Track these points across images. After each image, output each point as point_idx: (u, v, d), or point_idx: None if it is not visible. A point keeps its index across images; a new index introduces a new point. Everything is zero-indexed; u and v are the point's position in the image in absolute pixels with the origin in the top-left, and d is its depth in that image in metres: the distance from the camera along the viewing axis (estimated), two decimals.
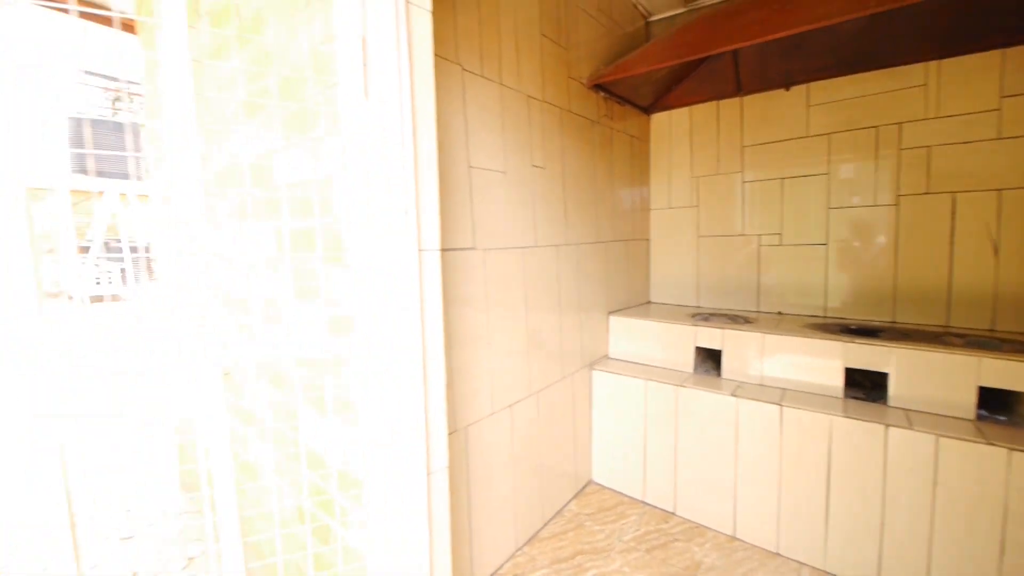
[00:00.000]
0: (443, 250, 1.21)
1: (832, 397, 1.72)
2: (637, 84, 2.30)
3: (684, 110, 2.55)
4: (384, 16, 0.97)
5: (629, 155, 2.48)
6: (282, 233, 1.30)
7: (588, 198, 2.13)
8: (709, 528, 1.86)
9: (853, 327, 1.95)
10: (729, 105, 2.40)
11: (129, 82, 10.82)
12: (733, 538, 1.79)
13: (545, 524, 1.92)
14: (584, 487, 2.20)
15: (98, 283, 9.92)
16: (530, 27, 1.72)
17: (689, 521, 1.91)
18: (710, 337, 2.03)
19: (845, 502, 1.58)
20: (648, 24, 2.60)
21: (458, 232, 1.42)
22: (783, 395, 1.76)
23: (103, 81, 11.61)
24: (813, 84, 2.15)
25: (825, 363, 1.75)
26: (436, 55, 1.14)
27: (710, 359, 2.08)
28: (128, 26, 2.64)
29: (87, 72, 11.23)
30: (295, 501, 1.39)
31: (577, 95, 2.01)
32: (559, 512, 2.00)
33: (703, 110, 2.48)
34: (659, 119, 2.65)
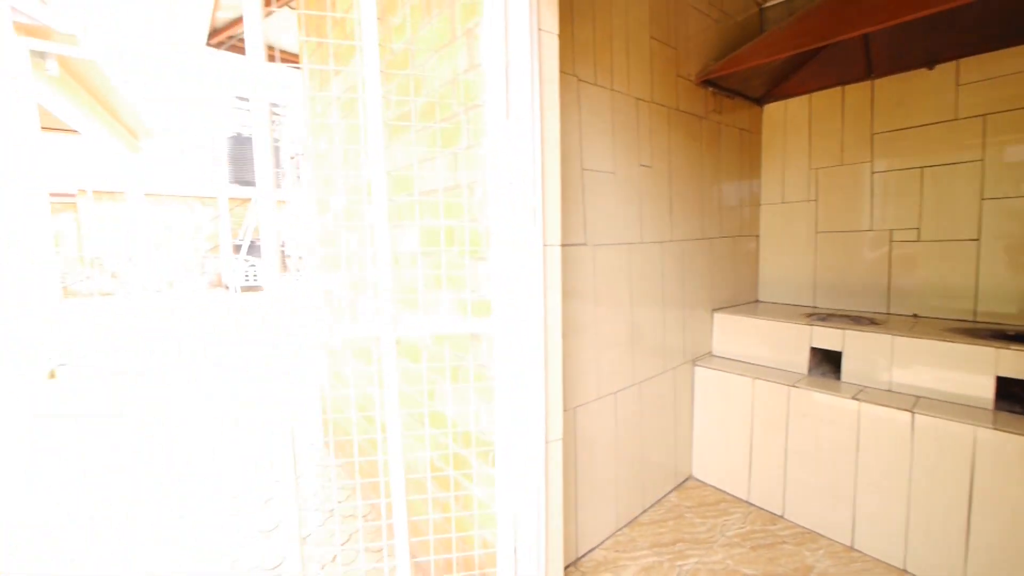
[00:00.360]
0: (562, 245, 1.36)
1: (978, 408, 1.56)
2: (749, 76, 2.24)
3: (802, 98, 2.41)
4: (521, 45, 1.14)
5: (738, 149, 2.42)
6: (422, 231, 1.55)
7: (694, 195, 2.14)
8: (822, 535, 1.79)
9: (1011, 333, 1.73)
10: (857, 90, 2.23)
11: (274, 105, 12.48)
12: (851, 548, 1.71)
13: (644, 511, 1.99)
14: (684, 481, 2.22)
15: (246, 277, 11.68)
16: (640, 32, 1.80)
17: (799, 526, 1.85)
18: (828, 338, 1.93)
19: (991, 524, 1.44)
20: (762, 11, 2.50)
21: (571, 229, 1.56)
22: (915, 402, 1.63)
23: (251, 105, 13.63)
24: (963, 60, 1.92)
25: (972, 370, 1.58)
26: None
27: (828, 361, 1.97)
28: (283, 58, 3.17)
29: (239, 98, 13.27)
30: (426, 457, 1.64)
31: (685, 93, 2.04)
32: (659, 501, 2.06)
33: (825, 97, 2.33)
34: (773, 110, 2.53)
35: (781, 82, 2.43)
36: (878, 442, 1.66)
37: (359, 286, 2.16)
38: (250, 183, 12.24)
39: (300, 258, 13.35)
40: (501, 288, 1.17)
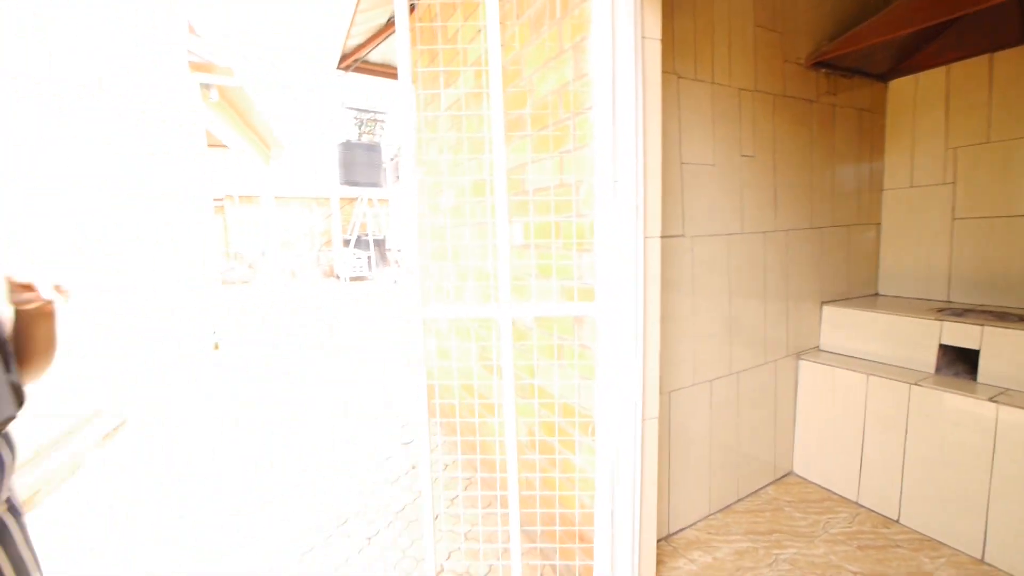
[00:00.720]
0: (661, 237, 1.44)
1: None
2: (870, 51, 2.08)
3: (937, 71, 2.17)
4: (626, 54, 1.25)
5: (856, 131, 2.26)
6: (530, 226, 1.72)
7: (802, 182, 2.06)
8: (945, 544, 1.67)
9: None
10: (1009, 58, 1.97)
11: (376, 112, 13.62)
12: (980, 561, 1.58)
13: (739, 499, 1.99)
14: (783, 476, 2.17)
15: (354, 268, 12.89)
16: (744, 22, 1.78)
17: (917, 532, 1.74)
18: (964, 335, 1.77)
19: None
20: None
21: (670, 221, 1.63)
22: None
23: (355, 113, 14.92)
24: None
25: None
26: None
27: (961, 360, 1.81)
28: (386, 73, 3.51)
29: (346, 107, 14.63)
30: (527, 428, 1.82)
31: (793, 77, 1.97)
32: (755, 493, 2.05)
33: (967, 67, 2.09)
34: (900, 86, 2.31)
35: (911, 55, 2.21)
36: (1020, 449, 1.51)
37: (464, 275, 2.42)
38: (358, 184, 13.54)
39: (399, 251, 14.48)
40: (604, 276, 1.30)
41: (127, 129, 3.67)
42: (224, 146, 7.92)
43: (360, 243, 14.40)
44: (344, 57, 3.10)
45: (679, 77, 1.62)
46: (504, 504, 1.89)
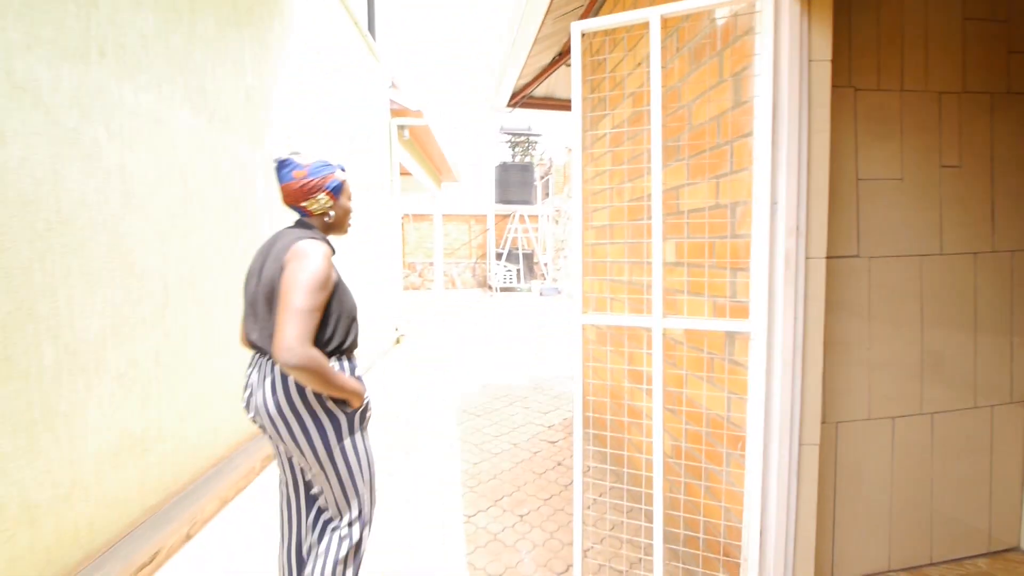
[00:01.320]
0: (827, 258, 1.40)
1: None
2: None
3: None
4: (790, 80, 1.28)
5: None
6: (683, 245, 1.80)
7: None
8: None
9: None
10: None
11: (529, 134, 14.59)
12: None
13: (933, 563, 1.71)
14: (1005, 551, 1.77)
15: (504, 280, 13.92)
16: (948, 16, 1.59)
17: None
18: None
19: None
20: None
21: (840, 241, 1.55)
22: None
23: (509, 136, 16.14)
24: None
25: None
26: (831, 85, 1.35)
27: None
28: (556, 105, 3.85)
29: (503, 130, 15.94)
30: (673, 442, 1.88)
31: (1021, 71, 1.66)
32: (957, 561, 1.73)
33: None
34: None
35: None
36: None
37: (616, 288, 2.56)
38: (511, 202, 14.69)
39: (545, 264, 15.15)
40: (760, 295, 1.33)
41: (359, 165, 4.77)
42: (408, 173, 9.48)
43: (511, 256, 15.52)
44: (514, 95, 3.56)
45: (856, 90, 1.53)
46: (648, 503, 1.97)
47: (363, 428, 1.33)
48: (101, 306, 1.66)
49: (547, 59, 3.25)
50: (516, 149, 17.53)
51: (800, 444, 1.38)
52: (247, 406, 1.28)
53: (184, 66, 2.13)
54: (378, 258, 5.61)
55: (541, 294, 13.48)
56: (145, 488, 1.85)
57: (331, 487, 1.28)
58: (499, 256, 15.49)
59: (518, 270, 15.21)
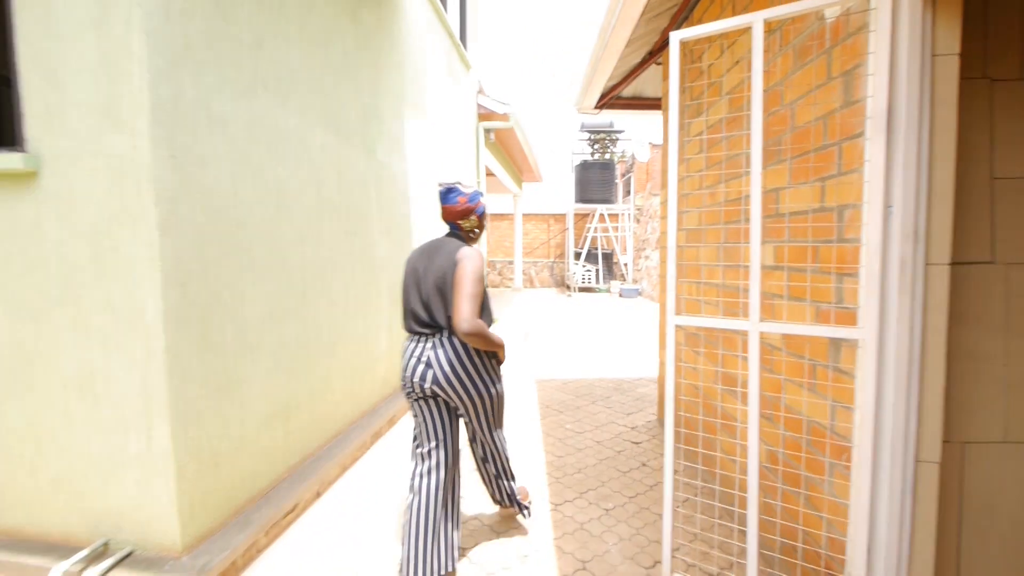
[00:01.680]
0: (953, 264, 1.31)
1: None
2: None
3: None
4: (909, 77, 1.23)
5: None
6: (783, 249, 1.76)
7: None
8: None
9: None
10: None
11: (609, 131, 14.27)
12: None
13: None
14: None
15: (583, 280, 13.82)
16: None
17: None
18: None
19: None
20: None
21: (971, 245, 1.43)
22: None
23: (589, 133, 15.92)
24: None
25: None
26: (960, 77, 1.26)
27: None
28: (646, 104, 3.82)
29: (583, 127, 15.79)
30: (769, 448, 1.84)
31: None
32: None
33: None
34: None
35: None
36: None
37: (704, 291, 2.53)
38: (591, 202, 14.57)
39: (625, 264, 14.81)
40: (871, 302, 1.29)
41: (450, 169, 5.13)
42: (492, 175, 9.83)
43: (590, 256, 15.39)
44: (601, 97, 3.61)
45: (992, 80, 1.40)
46: (741, 506, 1.95)
47: (500, 379, 1.89)
48: (263, 296, 2.03)
49: (636, 59, 3.26)
50: (595, 147, 17.32)
51: (916, 461, 1.31)
52: (413, 378, 1.71)
53: (319, 90, 2.49)
54: None
55: (620, 295, 13.22)
56: (288, 449, 2.23)
57: (484, 418, 1.85)
58: (578, 256, 15.43)
59: (597, 270, 15.04)
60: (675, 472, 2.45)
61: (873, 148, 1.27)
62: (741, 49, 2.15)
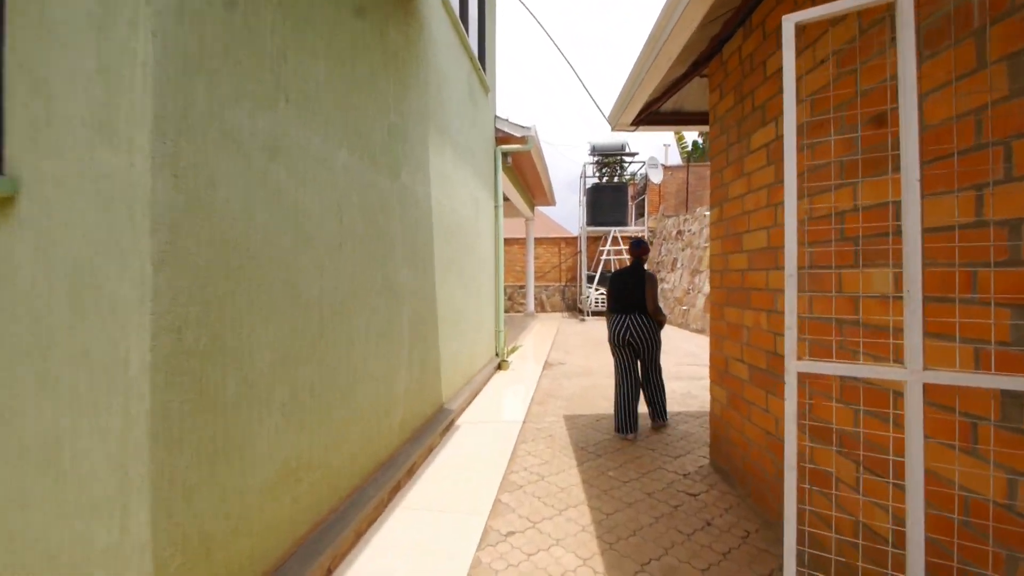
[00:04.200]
0: None
1: None
2: None
3: None
4: None
5: None
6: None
7: None
8: None
9: None
10: None
11: (624, 153, 14.15)
12: None
13: None
14: None
15: (597, 303, 13.41)
16: None
17: None
18: None
19: None
20: None
21: None
22: None
23: (598, 157, 15.82)
24: None
25: None
26: None
27: None
28: (688, 119, 3.57)
29: (593, 150, 15.68)
30: (895, 526, 1.46)
31: None
32: None
33: None
34: None
35: None
36: None
37: (773, 321, 2.19)
38: (604, 224, 14.36)
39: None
40: None
41: (469, 195, 4.90)
42: (507, 199, 9.65)
43: (602, 280, 15.08)
44: (640, 112, 3.36)
45: None
46: None
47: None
48: (274, 338, 1.73)
49: (679, 72, 3.02)
50: (605, 170, 17.23)
51: None
52: (622, 336, 3.68)
53: (344, 107, 2.25)
54: (480, 288, 5.66)
55: None
56: (296, 519, 1.88)
57: (654, 356, 3.76)
58: (591, 279, 15.13)
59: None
60: (745, 536, 2.04)
61: None
62: (826, 49, 1.88)
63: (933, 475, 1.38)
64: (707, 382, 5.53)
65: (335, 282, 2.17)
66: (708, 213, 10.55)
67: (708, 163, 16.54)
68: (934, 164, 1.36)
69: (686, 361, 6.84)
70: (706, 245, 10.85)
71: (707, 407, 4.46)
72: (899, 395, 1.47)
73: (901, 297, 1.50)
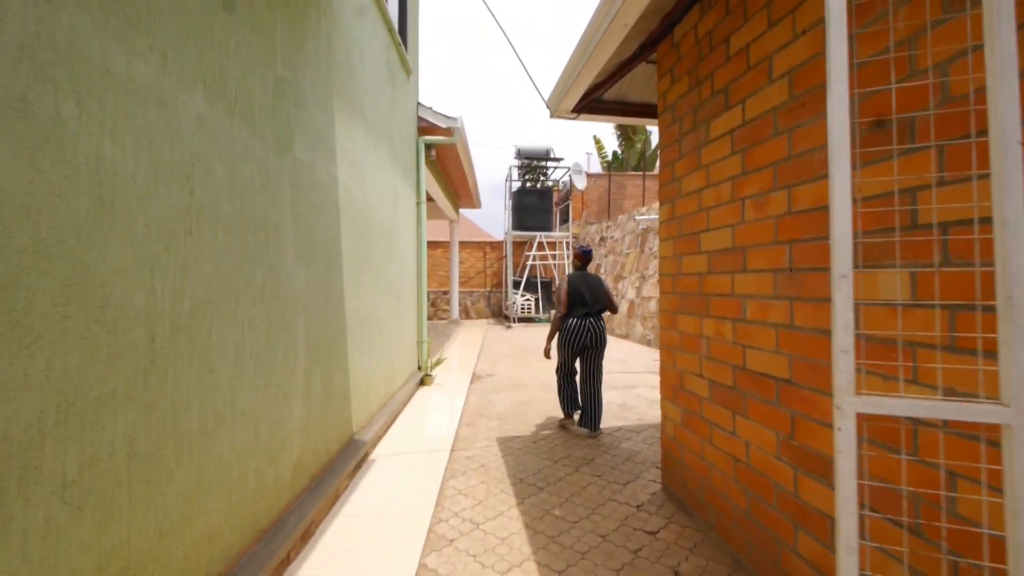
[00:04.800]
0: None
1: None
2: None
3: None
4: None
5: None
6: (933, 277, 1.16)
7: None
8: None
9: None
10: None
11: (549, 159, 14.17)
12: None
13: None
14: None
15: (524, 309, 13.22)
16: None
17: None
18: None
19: None
20: None
21: None
22: None
23: (522, 160, 15.78)
24: None
25: None
26: None
27: None
28: (637, 111, 3.29)
29: (517, 154, 15.56)
30: None
31: None
32: None
33: None
34: None
35: None
36: None
37: (742, 332, 1.91)
38: (529, 229, 14.20)
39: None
40: None
41: (388, 187, 4.25)
42: (430, 198, 9.00)
43: (528, 285, 14.91)
44: (582, 98, 3.01)
45: None
46: None
47: None
48: (40, 377, 1.03)
49: (628, 52, 2.71)
50: (529, 175, 17.17)
51: None
52: (586, 339, 3.68)
53: (203, 38, 1.58)
54: (400, 293, 5.01)
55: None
56: None
57: (601, 360, 3.81)
58: (517, 285, 14.90)
59: (536, 299, 14.57)
60: None
61: None
62: (808, 17, 1.62)
63: (958, 515, 1.10)
64: (642, 391, 5.37)
65: (179, 284, 1.49)
66: (637, 219, 10.74)
67: (627, 173, 17.20)
68: (956, 144, 1.09)
69: (617, 369, 6.71)
70: (628, 251, 11.07)
71: (645, 420, 4.23)
72: (990, 443, 1.17)
73: (920, 305, 1.23)
